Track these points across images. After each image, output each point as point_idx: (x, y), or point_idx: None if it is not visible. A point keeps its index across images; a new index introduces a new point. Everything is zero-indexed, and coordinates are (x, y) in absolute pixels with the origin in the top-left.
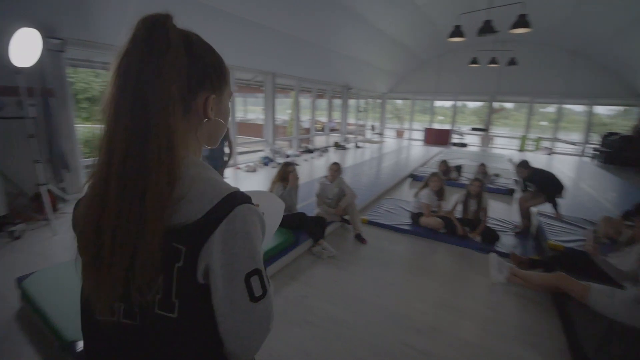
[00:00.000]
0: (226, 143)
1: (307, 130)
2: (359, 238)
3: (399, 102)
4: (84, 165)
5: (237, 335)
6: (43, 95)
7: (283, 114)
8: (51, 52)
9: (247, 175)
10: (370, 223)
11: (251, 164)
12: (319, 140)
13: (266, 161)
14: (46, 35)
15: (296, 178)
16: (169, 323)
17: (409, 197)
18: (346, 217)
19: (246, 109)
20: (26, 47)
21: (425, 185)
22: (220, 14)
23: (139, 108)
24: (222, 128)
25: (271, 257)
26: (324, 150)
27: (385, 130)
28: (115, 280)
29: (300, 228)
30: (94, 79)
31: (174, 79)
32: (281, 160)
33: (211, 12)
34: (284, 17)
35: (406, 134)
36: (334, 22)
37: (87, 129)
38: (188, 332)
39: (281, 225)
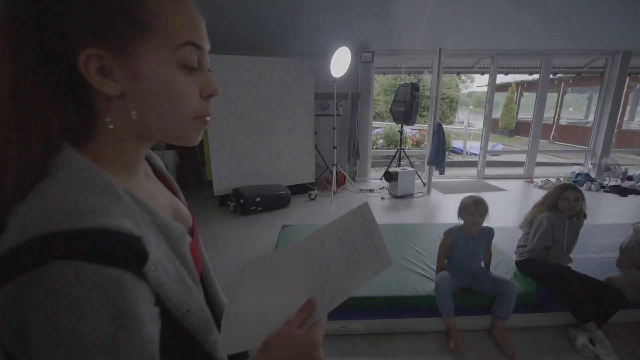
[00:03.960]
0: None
1: None
2: None
3: None
4: (373, 155)
5: None
6: (352, 98)
7: None
8: (364, 63)
9: (527, 191)
10: None
11: (552, 179)
12: None
13: (580, 180)
14: (361, 50)
15: (574, 211)
16: None
17: None
18: None
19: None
20: (340, 62)
21: None
22: None
23: None
24: (160, 111)
25: (479, 306)
26: None
27: None
28: None
29: (560, 291)
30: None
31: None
32: (613, 181)
33: None
34: None
35: None
36: None
37: (387, 125)
38: None
39: (525, 271)
